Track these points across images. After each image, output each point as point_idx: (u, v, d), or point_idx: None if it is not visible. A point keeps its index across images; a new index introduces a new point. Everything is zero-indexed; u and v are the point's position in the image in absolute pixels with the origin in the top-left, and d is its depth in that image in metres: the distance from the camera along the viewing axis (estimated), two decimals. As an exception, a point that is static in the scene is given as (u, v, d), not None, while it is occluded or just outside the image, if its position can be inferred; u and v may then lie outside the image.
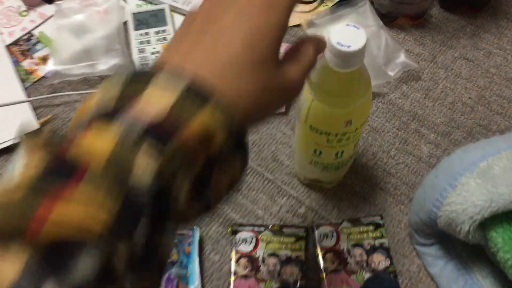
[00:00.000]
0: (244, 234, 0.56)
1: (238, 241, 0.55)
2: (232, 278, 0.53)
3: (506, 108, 0.65)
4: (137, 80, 0.25)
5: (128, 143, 0.22)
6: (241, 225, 0.57)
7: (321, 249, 0.55)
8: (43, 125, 0.64)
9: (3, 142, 0.61)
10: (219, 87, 0.25)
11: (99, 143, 0.22)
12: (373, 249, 0.54)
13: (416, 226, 0.54)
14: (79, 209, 0.20)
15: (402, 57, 0.67)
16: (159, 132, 0.23)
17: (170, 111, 0.23)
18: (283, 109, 0.66)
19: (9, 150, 0.62)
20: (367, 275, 0.53)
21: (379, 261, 0.54)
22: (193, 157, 0.24)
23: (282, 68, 0.29)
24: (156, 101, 0.23)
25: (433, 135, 0.64)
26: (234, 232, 0.56)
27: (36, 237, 0.19)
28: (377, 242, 0.55)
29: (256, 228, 0.56)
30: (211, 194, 0.26)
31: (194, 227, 0.56)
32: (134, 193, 0.22)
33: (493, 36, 0.72)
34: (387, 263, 0.53)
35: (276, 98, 0.29)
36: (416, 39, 0.72)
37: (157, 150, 0.22)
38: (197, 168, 0.24)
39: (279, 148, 0.63)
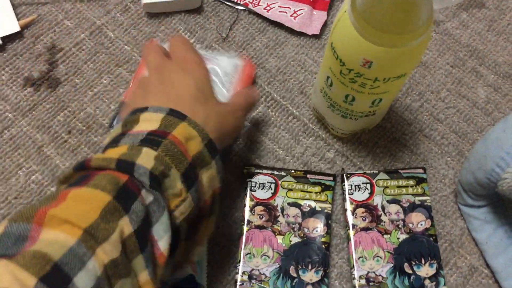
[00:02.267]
0: (262, 178, 0.47)
1: (255, 186, 0.47)
2: (245, 228, 0.45)
3: None
4: (131, 119, 0.35)
5: (133, 147, 0.32)
6: (258, 166, 0.48)
7: (351, 202, 0.47)
8: (24, 28, 0.53)
9: (-23, 46, 0.51)
10: (189, 113, 0.36)
11: (114, 152, 0.32)
12: (412, 207, 0.46)
13: (468, 185, 0.45)
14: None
15: (467, -23, 0.55)
16: (155, 135, 0.33)
17: (160, 125, 0.34)
18: (316, 31, 0.54)
19: (-15, 55, 0.51)
20: (402, 237, 0.45)
21: (418, 221, 0.46)
22: (181, 153, 0.33)
23: (224, 102, 0.41)
24: (148, 123, 0.34)
25: (493, 76, 0.53)
26: (250, 175, 0.47)
27: None
28: (417, 200, 0.47)
29: (276, 172, 0.48)
30: (198, 190, 0.34)
31: None
32: (139, 171, 0.31)
33: None
34: (428, 224, 0.46)
35: (225, 120, 0.39)
36: (484, -44, 0.59)
37: (154, 146, 0.33)
38: (185, 163, 0.33)
39: (308, 78, 0.53)
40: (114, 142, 0.34)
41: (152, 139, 0.33)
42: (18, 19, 0.52)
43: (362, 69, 0.38)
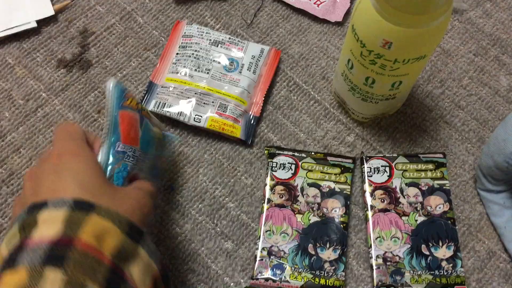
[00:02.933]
0: (282, 158, 0.49)
1: (276, 166, 0.48)
2: (266, 206, 0.47)
3: None
4: (28, 220, 0.29)
5: (34, 271, 0.26)
6: (279, 148, 0.49)
7: (370, 184, 0.47)
8: (58, 12, 0.55)
9: (15, 27, 0.53)
10: (95, 201, 0.31)
11: (10, 283, 0.26)
12: (430, 191, 0.47)
13: (487, 170, 0.45)
14: None
15: (491, -34, 0.55)
16: (59, 247, 0.28)
17: (63, 228, 0.28)
18: (339, 18, 0.55)
19: (22, 35, 0.54)
20: (420, 219, 0.46)
21: (437, 204, 0.46)
22: (95, 260, 0.28)
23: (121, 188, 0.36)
24: (48, 226, 0.29)
25: (516, 65, 0.54)
26: (272, 156, 0.49)
27: None
28: (436, 183, 0.47)
29: (297, 154, 0.49)
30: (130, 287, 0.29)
31: None
32: None
33: None
34: (446, 207, 0.46)
35: (141, 198, 0.35)
36: None
37: (59, 264, 0.27)
38: (103, 270, 0.28)
39: (330, 64, 0.54)
40: (11, 261, 0.28)
41: (55, 255, 0.27)
42: (53, 4, 0.55)
43: (382, 50, 0.38)
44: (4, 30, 0.53)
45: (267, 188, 0.47)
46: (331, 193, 0.47)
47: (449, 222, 0.46)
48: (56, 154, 0.34)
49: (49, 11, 0.54)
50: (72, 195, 0.31)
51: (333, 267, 0.44)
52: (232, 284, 0.45)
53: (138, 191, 0.36)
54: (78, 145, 0.35)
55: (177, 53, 0.52)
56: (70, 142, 0.35)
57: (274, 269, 0.44)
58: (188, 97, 0.50)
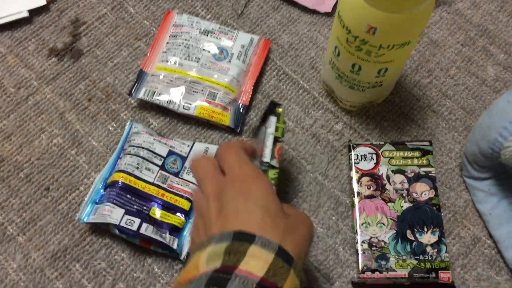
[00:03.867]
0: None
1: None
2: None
3: None
4: (236, 248, 0.32)
5: None
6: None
7: (357, 171, 0.48)
8: (50, 2, 0.56)
9: (7, 16, 0.54)
10: (293, 253, 0.33)
11: None
12: (416, 178, 0.47)
13: (472, 156, 0.46)
14: None
15: (479, -42, 0.55)
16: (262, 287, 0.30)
17: (268, 271, 0.31)
18: (329, 9, 0.56)
19: (13, 25, 0.55)
20: (406, 205, 0.46)
21: (422, 191, 0.47)
22: None
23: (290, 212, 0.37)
24: (256, 263, 0.31)
25: (503, 55, 0.54)
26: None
27: None
28: (422, 170, 0.48)
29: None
30: None
31: None
32: None
33: None
34: (431, 194, 0.47)
35: (300, 235, 0.36)
36: None
37: None
38: None
39: (320, 54, 0.55)
40: (219, 282, 0.30)
41: None
42: (45, -7, 0.56)
43: (367, 36, 0.39)
44: (-4, 19, 0.54)
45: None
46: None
47: (434, 208, 0.46)
48: (238, 180, 0.37)
49: (41, 1, 0.55)
50: (256, 219, 0.34)
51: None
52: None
53: (305, 220, 0.37)
54: (254, 169, 0.38)
55: (167, 42, 0.53)
56: (246, 166, 0.38)
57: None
58: (178, 85, 0.50)
